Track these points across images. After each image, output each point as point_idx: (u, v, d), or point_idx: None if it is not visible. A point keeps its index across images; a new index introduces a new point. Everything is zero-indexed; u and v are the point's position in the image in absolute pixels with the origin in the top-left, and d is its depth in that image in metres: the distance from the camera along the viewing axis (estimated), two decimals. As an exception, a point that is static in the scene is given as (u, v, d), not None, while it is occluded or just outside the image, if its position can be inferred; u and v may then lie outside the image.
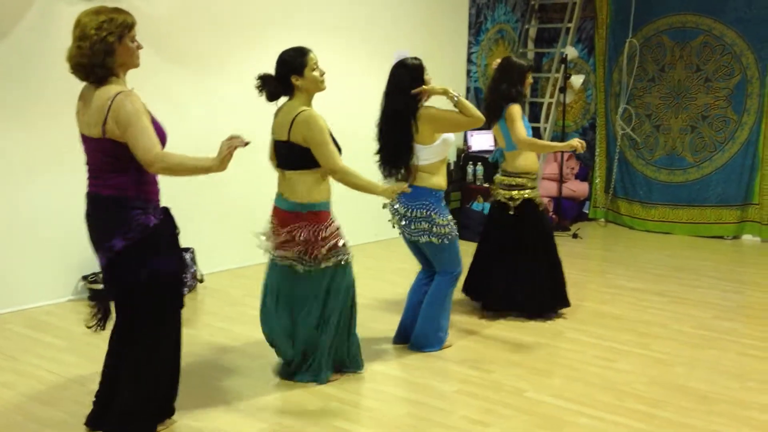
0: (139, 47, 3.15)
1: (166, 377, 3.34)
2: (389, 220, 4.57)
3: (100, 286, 5.42)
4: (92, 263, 5.38)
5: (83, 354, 4.44)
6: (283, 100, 3.95)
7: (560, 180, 8.42)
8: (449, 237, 4.39)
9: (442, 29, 8.20)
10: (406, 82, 4.26)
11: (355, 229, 4.70)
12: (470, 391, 4.02)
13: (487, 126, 5.20)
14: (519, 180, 5.13)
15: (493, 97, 5.11)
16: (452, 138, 4.43)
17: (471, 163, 8.23)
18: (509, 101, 5.01)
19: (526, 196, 5.12)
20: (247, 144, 2.99)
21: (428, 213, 4.32)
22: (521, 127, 4.96)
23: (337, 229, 3.96)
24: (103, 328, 3.29)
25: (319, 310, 3.96)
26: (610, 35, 8.79)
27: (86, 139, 3.13)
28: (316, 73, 3.88)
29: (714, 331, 5.07)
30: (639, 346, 4.74)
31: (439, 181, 4.38)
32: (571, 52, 8.53)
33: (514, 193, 5.11)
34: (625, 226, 8.68)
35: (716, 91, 8.15)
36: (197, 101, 6.07)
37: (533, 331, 5.01)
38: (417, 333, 4.58)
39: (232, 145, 2.97)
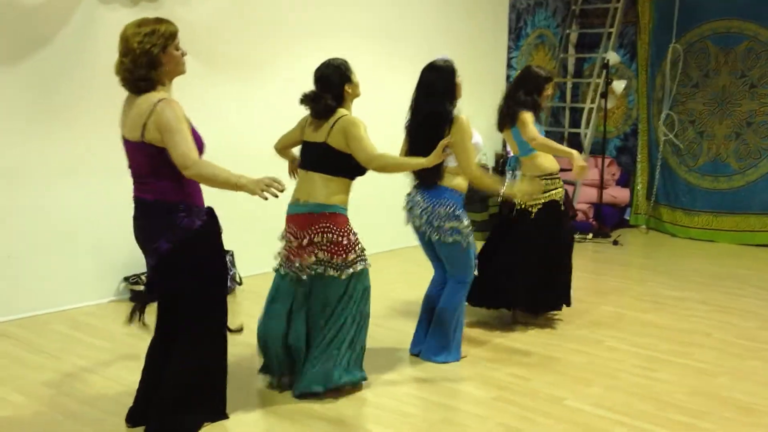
0: (183, 54, 3.21)
1: (210, 376, 3.35)
2: (405, 209, 4.48)
3: (141, 288, 5.51)
4: (134, 265, 5.49)
5: (123, 354, 4.50)
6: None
7: (601, 186, 8.33)
8: (466, 240, 4.34)
9: (481, 34, 8.18)
10: (438, 85, 4.24)
11: (374, 237, 4.69)
12: (507, 398, 3.98)
13: (500, 129, 5.18)
14: (543, 182, 5.07)
15: (508, 103, 5.09)
16: (480, 143, 4.40)
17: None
18: (523, 108, 4.98)
19: (552, 197, 5.07)
20: (282, 191, 3.07)
21: (452, 210, 4.27)
22: (533, 128, 4.93)
23: (356, 234, 3.97)
24: (142, 322, 3.33)
25: (341, 314, 3.94)
26: (652, 40, 8.68)
27: (127, 143, 3.19)
28: (357, 79, 4.00)
29: (758, 341, 4.96)
30: (680, 356, 4.66)
31: (461, 183, 4.34)
32: (613, 57, 8.44)
33: (538, 197, 5.04)
34: (668, 234, 8.55)
35: (761, 98, 8.00)
36: (235, 108, 6.13)
37: (571, 338, 4.95)
38: (428, 342, 4.52)
39: (272, 185, 3.01)
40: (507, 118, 5.06)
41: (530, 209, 5.06)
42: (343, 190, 3.91)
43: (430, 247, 4.52)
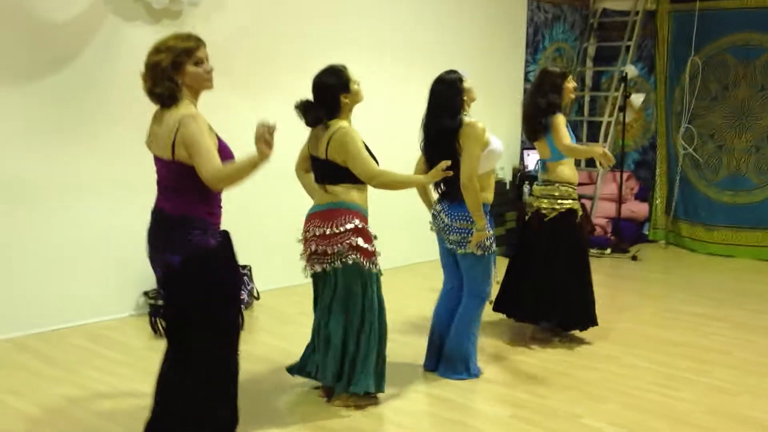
0: (207, 70, 3.21)
1: (219, 398, 3.34)
2: (431, 229, 4.51)
3: (161, 302, 5.53)
4: (153, 279, 5.47)
5: (141, 368, 4.52)
6: None
7: (619, 200, 8.29)
8: (489, 250, 4.33)
9: (499, 48, 8.19)
10: (446, 98, 4.24)
11: (388, 252, 4.69)
12: (525, 416, 3.96)
13: (532, 140, 5.18)
14: (561, 189, 5.05)
15: (533, 111, 5.06)
16: (499, 149, 4.32)
17: (527, 182, 8.16)
18: (550, 113, 4.97)
19: (567, 206, 5.05)
20: (274, 125, 2.98)
21: (473, 226, 4.27)
22: (565, 134, 4.92)
23: (373, 236, 3.97)
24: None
25: (357, 314, 3.94)
26: (671, 54, 8.65)
27: (157, 160, 3.21)
28: (356, 86, 3.94)
29: (778, 359, 4.92)
30: (699, 373, 4.62)
31: (485, 194, 4.32)
32: (631, 70, 8.41)
33: (556, 202, 5.03)
34: (687, 249, 8.48)
35: (782, 111, 7.95)
36: (254, 123, 6.13)
37: (586, 355, 4.92)
38: (445, 357, 4.49)
39: (262, 133, 2.97)
40: (539, 128, 5.03)
41: (545, 214, 5.05)
42: (360, 191, 3.93)
43: (451, 258, 4.50)
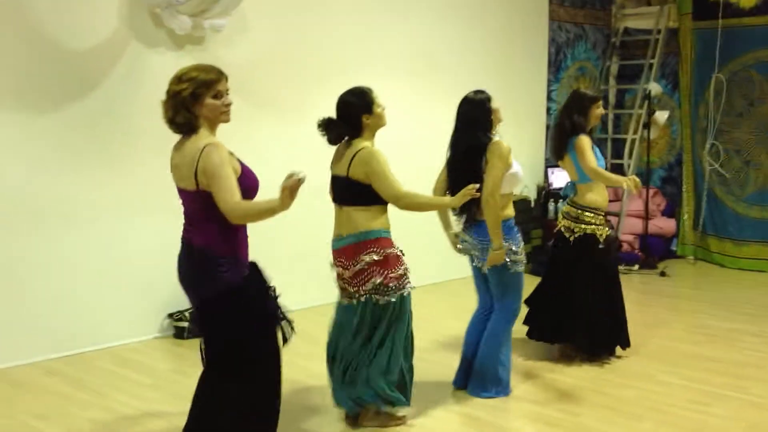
0: (226, 103, 3.19)
1: (257, 428, 3.30)
2: (458, 251, 4.49)
3: (185, 324, 5.53)
4: (177, 301, 5.51)
5: (168, 391, 4.50)
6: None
7: (646, 217, 8.20)
8: (520, 265, 4.29)
9: (521, 67, 8.18)
10: (476, 116, 4.24)
11: (419, 269, 4.65)
12: (556, 433, 3.89)
13: (556, 159, 5.15)
14: (586, 214, 5.00)
15: (558, 131, 5.10)
16: (520, 173, 4.32)
17: (552, 200, 8.11)
18: (573, 133, 4.95)
19: (588, 231, 4.98)
20: (302, 179, 2.94)
21: (505, 245, 4.23)
22: (591, 157, 4.88)
23: (404, 254, 3.95)
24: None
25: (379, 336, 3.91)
26: (695, 70, 8.59)
27: (181, 192, 3.20)
28: (380, 110, 3.92)
29: (816, 374, 4.81)
30: (734, 389, 4.52)
31: (507, 211, 4.30)
32: (655, 88, 8.36)
33: (576, 225, 4.99)
34: (716, 264, 8.35)
35: (807, 126, 7.86)
36: (278, 146, 6.17)
37: (619, 372, 4.84)
38: (474, 375, 4.44)
39: (289, 185, 2.93)
40: (561, 147, 5.03)
41: (569, 237, 5.01)
42: (380, 214, 3.89)
43: (482, 277, 4.47)
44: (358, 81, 6.51)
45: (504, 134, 4.39)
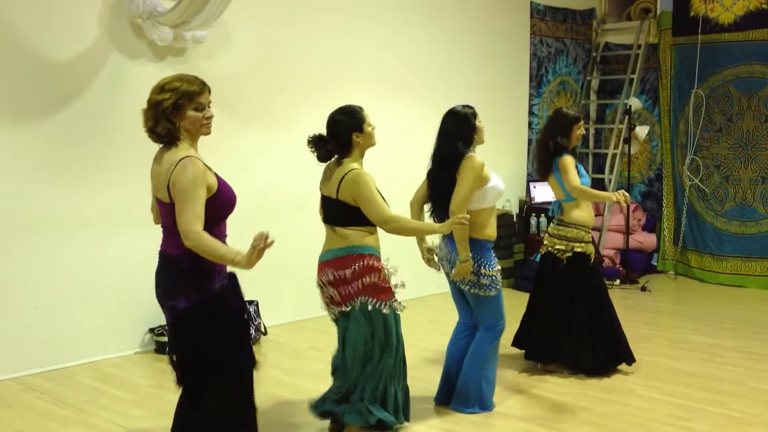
0: (207, 116, 3.18)
1: None
2: (437, 269, 4.49)
3: (167, 339, 5.49)
4: (158, 316, 5.43)
5: (149, 407, 4.47)
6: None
7: (627, 232, 8.26)
8: (494, 288, 4.30)
9: (503, 82, 8.23)
10: (454, 129, 4.26)
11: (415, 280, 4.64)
12: (539, 449, 3.90)
13: (542, 179, 5.20)
14: (574, 232, 5.04)
15: (541, 151, 5.14)
16: (500, 186, 4.33)
17: (534, 214, 8.15)
18: (557, 154, 5.00)
19: (578, 249, 5.03)
20: (271, 242, 2.95)
21: (477, 263, 4.25)
22: (574, 176, 4.92)
23: (391, 272, 3.95)
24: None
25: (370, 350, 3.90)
26: (674, 86, 8.68)
27: (158, 201, 3.19)
28: (370, 129, 3.93)
29: (795, 389, 4.85)
30: (715, 405, 4.55)
31: (488, 231, 4.32)
32: (635, 103, 8.43)
33: (567, 244, 5.03)
34: (696, 279, 8.43)
35: (786, 142, 7.96)
36: (261, 158, 6.17)
37: (601, 388, 4.86)
38: (457, 391, 4.44)
39: (258, 246, 2.93)
40: (545, 167, 5.08)
41: (560, 257, 5.04)
42: (370, 233, 3.89)
43: (459, 293, 4.48)
44: (341, 94, 6.55)
45: (486, 147, 4.41)
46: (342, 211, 3.86)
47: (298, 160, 6.14)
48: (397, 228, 3.83)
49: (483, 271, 4.26)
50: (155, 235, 3.31)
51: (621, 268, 8.18)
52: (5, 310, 4.99)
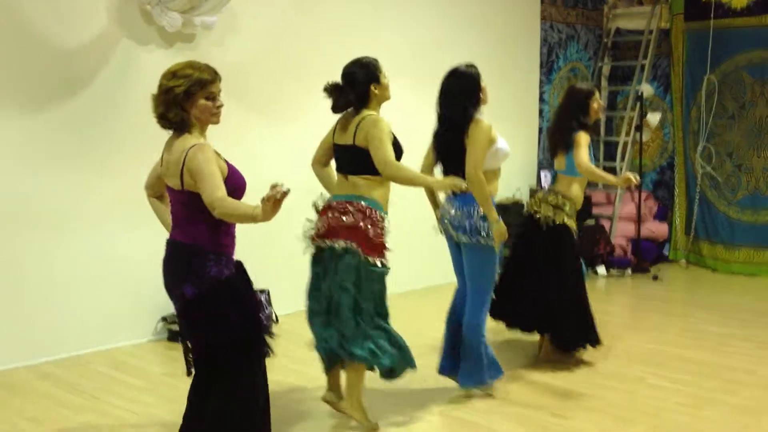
0: (217, 105, 3.18)
1: (250, 428, 3.29)
2: (438, 231, 4.50)
3: (178, 327, 5.53)
4: (171, 304, 5.47)
5: (162, 395, 4.51)
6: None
7: (638, 220, 8.23)
8: (493, 244, 4.25)
9: (513, 68, 8.18)
10: (460, 89, 4.23)
11: (409, 274, 4.62)
12: (549, 438, 3.92)
13: (552, 157, 5.17)
14: (567, 204, 5.00)
15: (560, 131, 5.04)
16: (506, 148, 4.30)
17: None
18: (575, 131, 4.95)
19: (565, 222, 4.97)
20: (287, 192, 2.91)
21: (481, 214, 4.21)
22: (585, 153, 4.88)
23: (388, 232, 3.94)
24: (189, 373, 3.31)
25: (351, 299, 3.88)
26: (686, 72, 8.61)
27: (170, 189, 3.21)
28: (386, 80, 3.94)
29: (805, 378, 4.84)
30: (725, 393, 4.55)
31: (493, 188, 4.30)
32: (647, 89, 8.38)
33: (556, 214, 4.96)
34: (708, 268, 8.38)
35: (800, 129, 7.89)
36: (269, 147, 6.18)
37: (612, 376, 4.86)
38: (462, 366, 4.42)
39: (273, 196, 2.90)
40: (561, 144, 5.02)
41: (542, 223, 4.98)
42: (382, 186, 3.89)
43: (458, 254, 4.45)
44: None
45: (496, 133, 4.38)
46: (357, 157, 3.84)
47: (307, 148, 6.10)
48: (395, 172, 3.80)
49: (481, 224, 4.23)
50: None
51: (632, 258, 8.15)
52: (18, 299, 5.03)
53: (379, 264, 3.83)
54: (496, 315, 5.09)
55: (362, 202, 3.85)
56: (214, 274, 3.12)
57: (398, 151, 3.89)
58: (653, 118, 8.37)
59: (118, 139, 5.39)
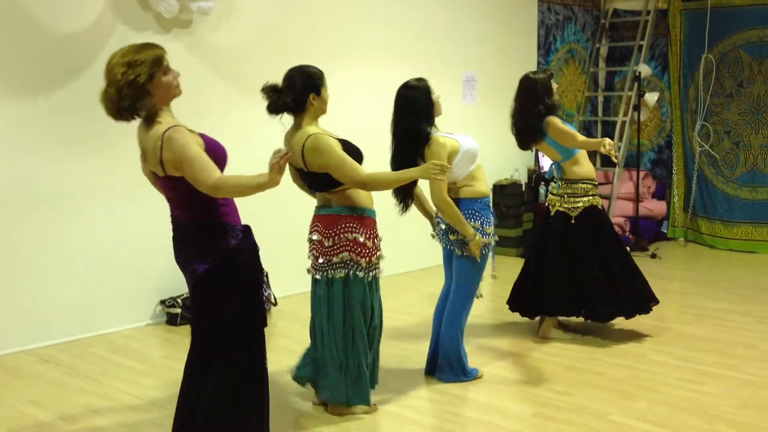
0: (175, 76, 3.10)
1: (249, 402, 3.28)
2: (433, 237, 4.50)
3: (178, 311, 5.53)
4: (169, 288, 5.52)
5: (162, 377, 4.50)
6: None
7: (636, 199, 8.23)
8: (489, 247, 4.28)
9: (510, 50, 8.15)
10: (412, 103, 4.13)
11: (400, 256, 4.61)
12: (550, 414, 3.91)
13: (530, 147, 5.16)
14: (581, 186, 5.02)
15: (526, 119, 4.99)
16: (473, 147, 4.23)
17: (543, 183, 8.11)
18: (545, 117, 4.92)
19: (588, 203, 5.01)
20: (289, 154, 2.92)
21: (479, 223, 4.20)
22: (572, 131, 4.90)
23: (380, 239, 3.91)
24: None
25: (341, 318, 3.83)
26: (684, 52, 8.59)
27: (154, 176, 3.17)
28: (327, 95, 3.83)
29: (806, 352, 4.85)
30: (726, 368, 4.56)
31: (480, 187, 4.26)
32: (645, 69, 8.36)
33: (575, 201, 5.00)
34: (706, 246, 8.40)
35: (797, 106, 7.88)
36: (268, 129, 6.10)
37: (613, 352, 4.87)
38: (440, 362, 4.40)
39: (277, 162, 2.89)
40: (535, 133, 4.99)
41: (570, 214, 5.02)
42: (362, 192, 3.80)
43: (449, 255, 4.44)
44: (346, 65, 6.52)
45: (493, 116, 4.37)
46: (318, 180, 3.77)
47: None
48: (376, 186, 3.69)
49: (485, 229, 4.24)
50: (165, 207, 3.30)
51: (631, 236, 8.15)
52: (18, 283, 5.02)
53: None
54: (516, 309, 5.22)
55: (345, 214, 3.80)
56: (221, 245, 3.10)
57: (357, 155, 3.75)
58: (651, 97, 8.36)
59: (115, 125, 5.27)
